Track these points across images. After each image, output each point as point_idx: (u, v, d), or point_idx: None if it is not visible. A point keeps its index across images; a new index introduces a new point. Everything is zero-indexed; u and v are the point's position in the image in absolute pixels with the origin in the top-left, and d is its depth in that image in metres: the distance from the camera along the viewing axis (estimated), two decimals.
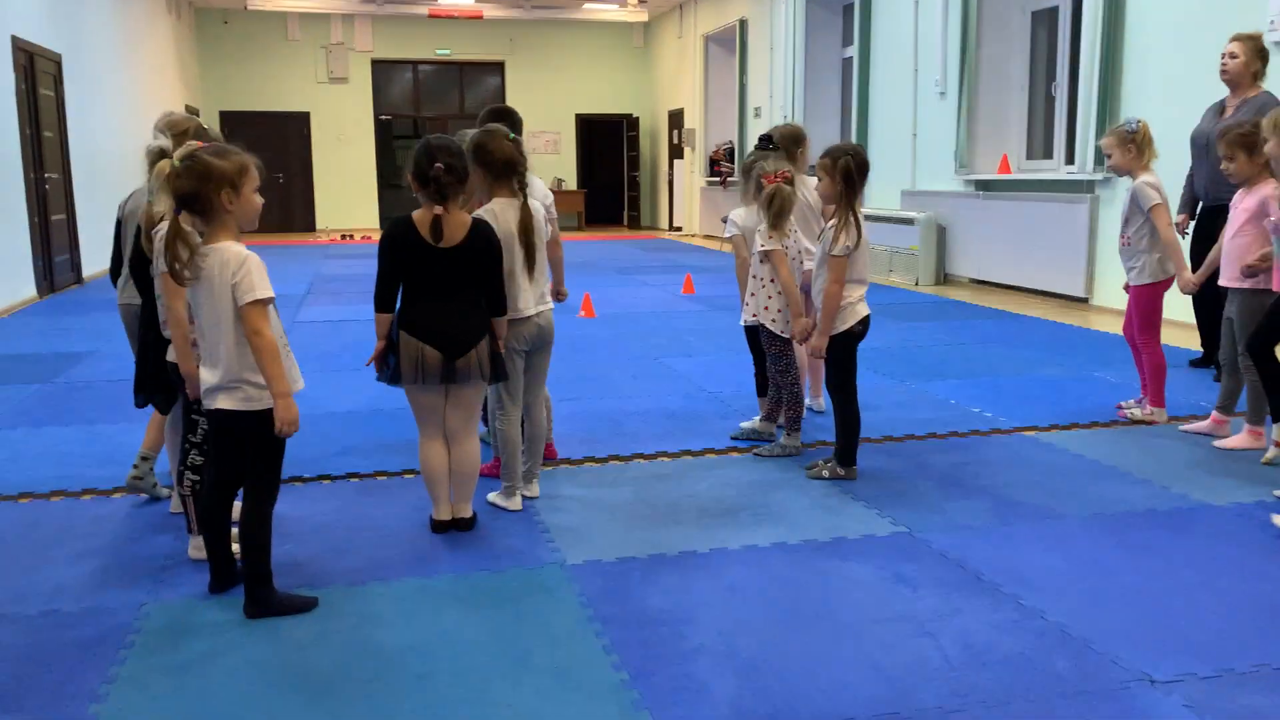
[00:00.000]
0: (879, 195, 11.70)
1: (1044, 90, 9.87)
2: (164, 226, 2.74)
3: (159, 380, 3.30)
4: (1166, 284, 4.78)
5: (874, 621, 2.80)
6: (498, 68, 20.27)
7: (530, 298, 3.57)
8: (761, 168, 4.37)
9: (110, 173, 12.41)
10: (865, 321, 4.02)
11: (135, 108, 13.82)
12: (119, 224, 3.76)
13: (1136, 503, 3.74)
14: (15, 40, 9.27)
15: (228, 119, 18.86)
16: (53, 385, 5.90)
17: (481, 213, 3.48)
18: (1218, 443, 4.46)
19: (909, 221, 10.48)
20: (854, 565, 3.19)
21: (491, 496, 3.77)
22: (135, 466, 3.83)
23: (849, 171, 3.88)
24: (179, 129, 3.34)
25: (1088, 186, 8.51)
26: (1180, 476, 4.03)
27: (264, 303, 2.71)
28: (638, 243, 16.65)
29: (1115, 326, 7.50)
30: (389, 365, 3.39)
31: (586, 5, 18.38)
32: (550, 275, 4.06)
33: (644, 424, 4.94)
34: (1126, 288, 4.93)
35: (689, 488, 3.97)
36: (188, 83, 17.55)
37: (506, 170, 3.51)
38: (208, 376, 2.80)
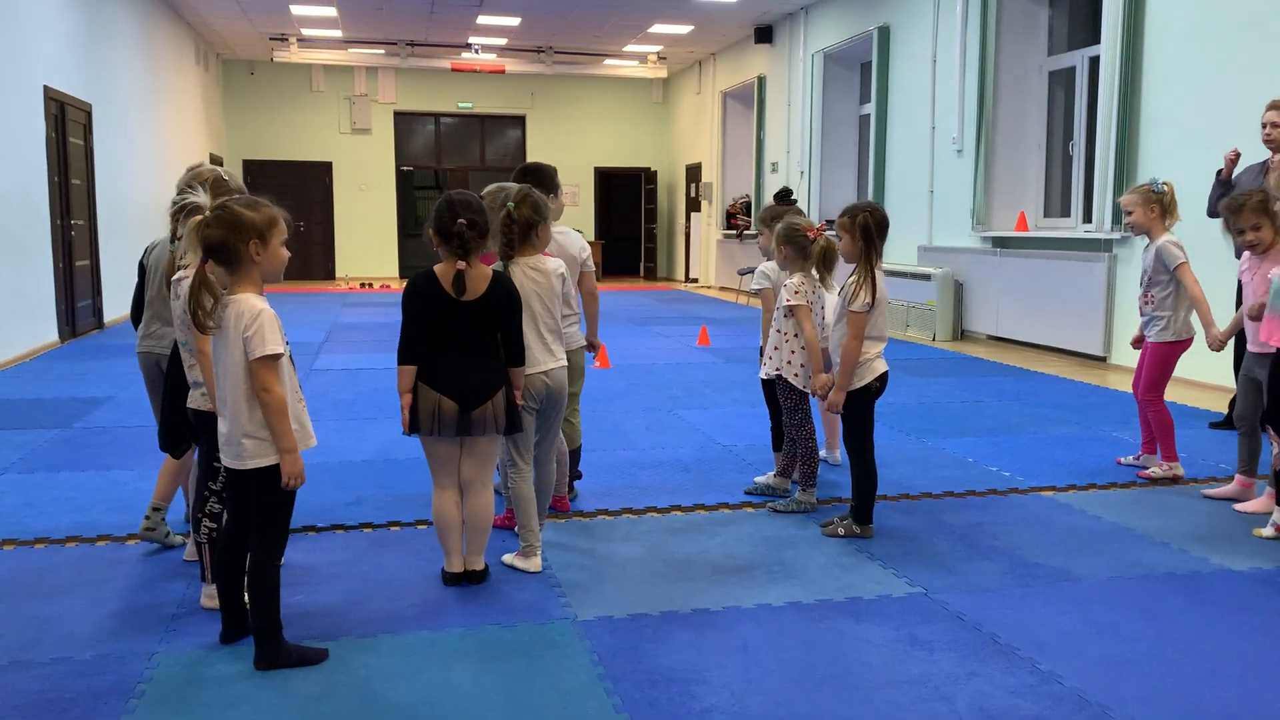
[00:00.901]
0: (896, 251, 11.73)
1: (1061, 149, 9.93)
2: (187, 274, 2.79)
3: (185, 427, 3.32)
4: (1185, 345, 4.82)
5: (889, 684, 2.76)
6: (519, 121, 20.54)
7: (539, 355, 3.57)
8: (797, 222, 4.37)
9: (134, 220, 12.60)
10: (883, 378, 4.01)
11: (161, 156, 14.06)
12: (142, 271, 3.84)
13: (1155, 566, 3.70)
14: (48, 90, 9.47)
15: (251, 167, 19.13)
16: (71, 430, 5.94)
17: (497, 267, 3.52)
18: (1238, 506, 4.41)
19: (926, 277, 10.50)
20: (869, 626, 3.16)
21: (508, 558, 3.71)
22: (147, 517, 3.84)
23: (868, 229, 3.92)
24: (203, 179, 3.37)
25: (1105, 245, 8.52)
26: (1199, 540, 3.99)
27: (273, 359, 2.72)
28: (654, 294, 16.73)
29: (1122, 383, 7.47)
30: (406, 415, 3.41)
31: (607, 61, 18.65)
32: (584, 326, 4.17)
33: (657, 477, 4.93)
34: (1135, 343, 4.92)
35: (702, 543, 3.95)
36: (213, 132, 17.85)
37: (526, 234, 3.57)
38: (221, 427, 2.83)
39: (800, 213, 4.78)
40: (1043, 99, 10.03)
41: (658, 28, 15.96)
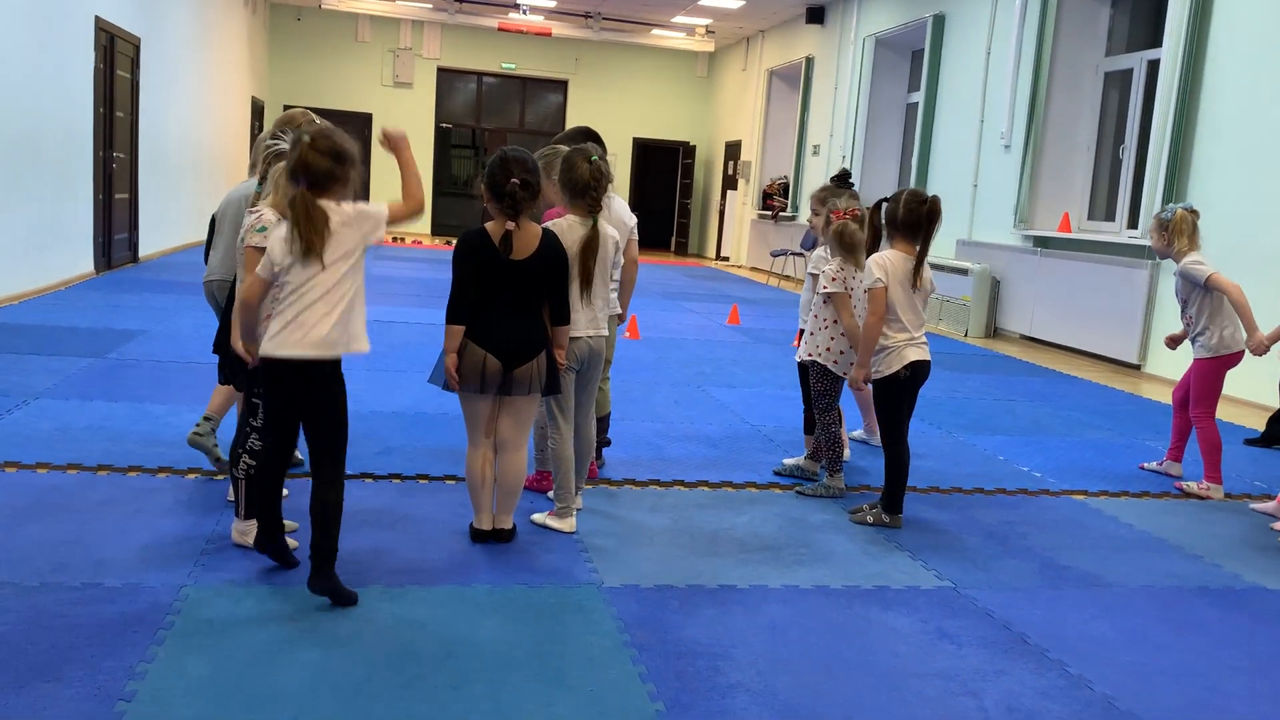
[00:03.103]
0: (935, 243, 11.60)
1: (1111, 152, 9.78)
2: (260, 211, 3.01)
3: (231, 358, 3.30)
4: (1232, 359, 4.72)
5: (915, 675, 2.74)
6: (561, 85, 20.43)
7: (583, 319, 3.57)
8: (834, 204, 4.36)
9: (174, 156, 12.63)
10: (914, 368, 3.93)
11: (204, 96, 14.07)
12: (214, 220, 3.98)
13: (1188, 578, 3.65)
14: (99, 21, 9.46)
15: None
16: (104, 360, 5.97)
17: (550, 225, 3.52)
18: (1277, 524, 4.35)
19: (963, 272, 10.40)
20: (897, 616, 3.13)
21: (539, 517, 3.73)
22: (198, 425, 3.92)
23: (879, 215, 4.05)
24: (295, 124, 3.45)
25: (1149, 253, 8.39)
26: (1233, 555, 3.94)
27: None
28: (685, 269, 16.66)
29: (1168, 395, 7.37)
30: (441, 370, 3.42)
31: (654, 31, 18.50)
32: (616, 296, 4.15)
33: (685, 451, 4.91)
34: (1171, 341, 4.96)
35: (729, 520, 3.93)
36: (256, 75, 17.84)
37: (581, 192, 3.55)
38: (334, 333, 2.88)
39: (854, 196, 4.73)
40: (1096, 99, 9.87)
41: (708, 1, 15.80)
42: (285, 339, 2.82)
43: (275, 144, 3.17)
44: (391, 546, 3.39)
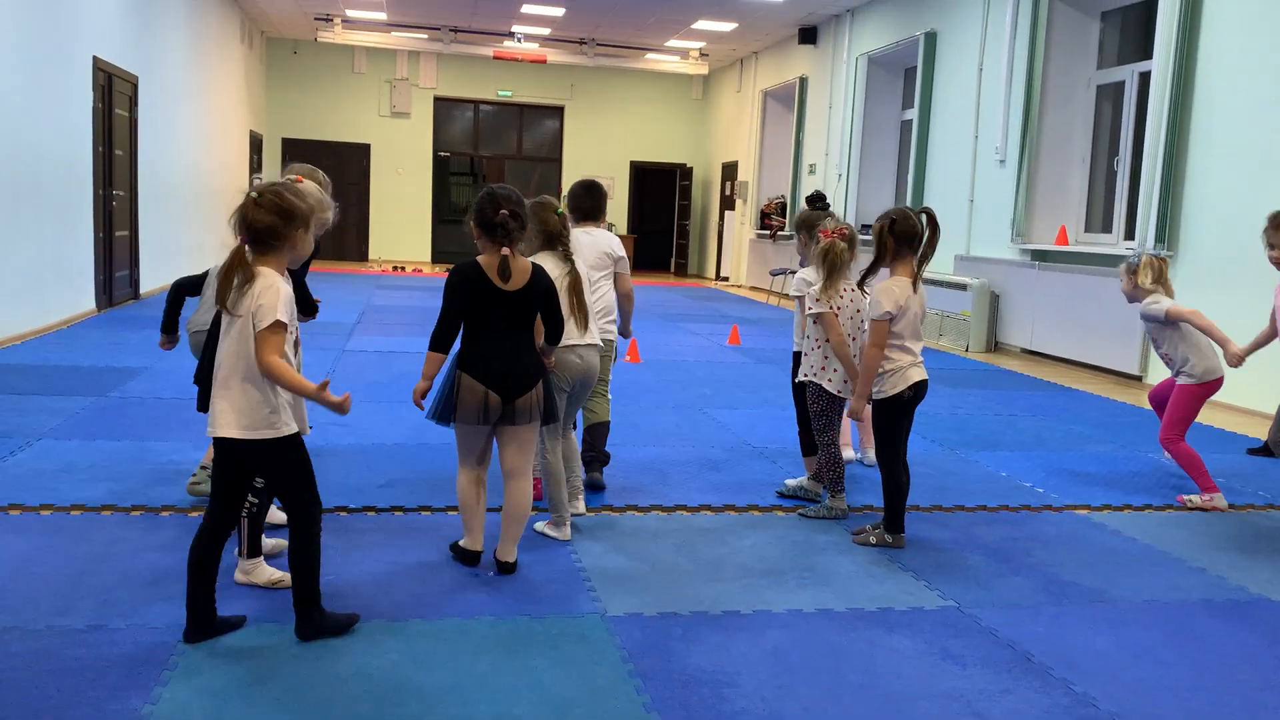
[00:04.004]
0: (933, 259, 11.64)
1: (1105, 164, 9.82)
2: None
3: None
4: (1212, 386, 4.78)
5: (921, 697, 2.74)
6: (557, 111, 20.55)
7: (573, 337, 3.80)
8: (824, 224, 4.43)
9: (173, 192, 12.70)
10: (916, 387, 3.95)
11: (203, 131, 14.17)
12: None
13: (1192, 591, 3.65)
14: (97, 61, 9.55)
15: (290, 146, 19.24)
16: (107, 399, 6.00)
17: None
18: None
19: (962, 287, 10.42)
20: (901, 637, 3.13)
21: (540, 526, 3.90)
22: (195, 474, 4.02)
23: (881, 235, 3.94)
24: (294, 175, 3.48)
25: None
26: (1238, 568, 3.93)
27: (279, 327, 2.75)
28: (684, 290, 16.70)
29: None
30: (439, 405, 3.46)
31: (649, 56, 18.62)
32: (618, 317, 4.54)
33: (687, 475, 4.91)
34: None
35: (732, 544, 3.94)
36: (254, 109, 17.97)
37: (551, 240, 3.85)
38: (225, 403, 2.85)
39: (833, 216, 4.81)
40: (1089, 113, 9.92)
41: (701, 24, 15.91)
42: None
43: None
44: (394, 579, 3.40)
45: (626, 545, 3.87)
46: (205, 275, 4.11)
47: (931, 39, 11.92)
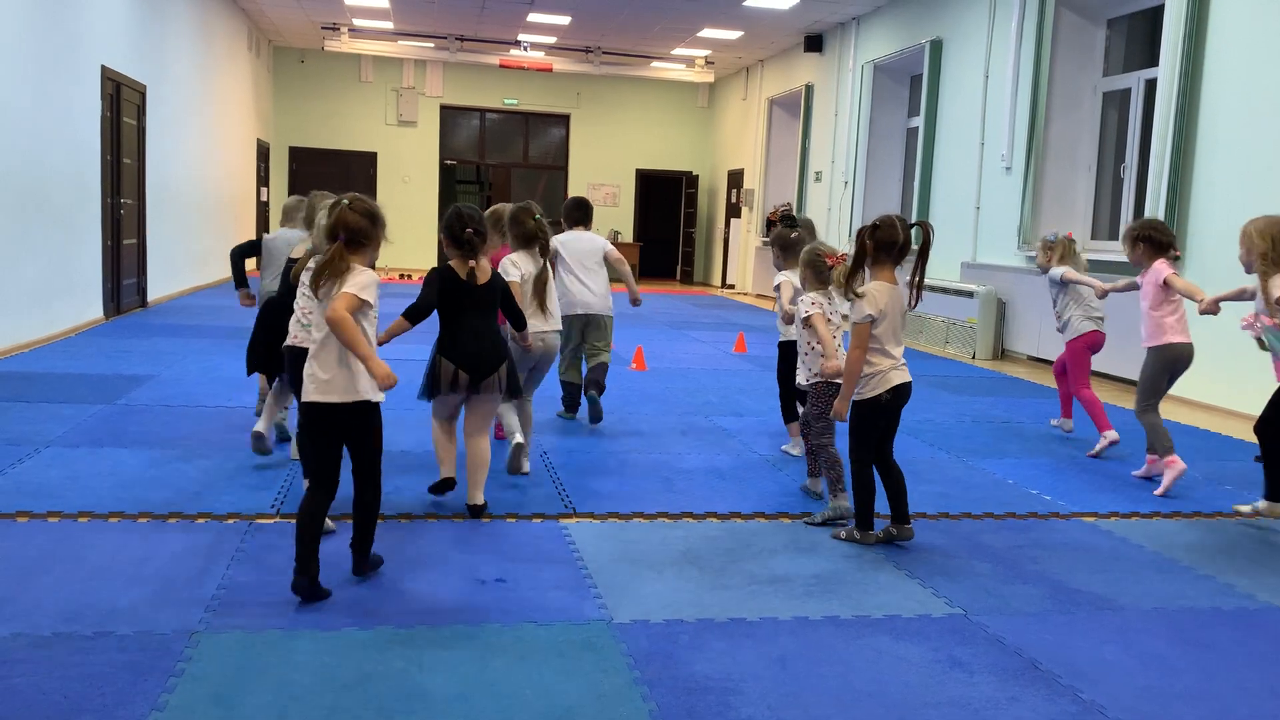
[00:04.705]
0: (939, 266, 11.64)
1: (1112, 171, 9.82)
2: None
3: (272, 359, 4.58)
4: (1089, 339, 6.04)
5: (927, 705, 2.73)
6: (563, 120, 20.59)
7: (539, 324, 4.84)
8: (820, 249, 4.57)
9: (181, 200, 12.75)
10: (895, 391, 3.98)
11: (210, 139, 14.23)
12: (259, 245, 5.44)
13: (1200, 599, 3.64)
14: (105, 70, 9.60)
15: (297, 155, 19.32)
16: (114, 407, 6.01)
17: (505, 260, 4.84)
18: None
19: (968, 294, 10.41)
20: (907, 645, 3.12)
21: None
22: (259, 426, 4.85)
23: (862, 243, 4.02)
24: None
25: None
26: (1246, 575, 3.92)
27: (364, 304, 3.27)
28: (690, 298, 16.71)
29: (1177, 414, 7.36)
30: (425, 385, 4.27)
31: (655, 64, 18.66)
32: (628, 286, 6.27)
33: (693, 483, 4.91)
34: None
35: (738, 552, 3.93)
36: (262, 117, 18.04)
37: (528, 240, 4.88)
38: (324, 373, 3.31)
39: (806, 226, 5.47)
40: (1095, 120, 9.91)
41: (707, 32, 15.94)
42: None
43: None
44: (401, 586, 3.40)
45: (633, 552, 3.87)
46: (259, 241, 5.39)
47: (937, 46, 11.93)
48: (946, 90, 11.81)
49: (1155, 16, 8.79)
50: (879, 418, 4.02)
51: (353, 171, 19.36)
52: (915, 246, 4.05)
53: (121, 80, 10.17)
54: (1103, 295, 6.01)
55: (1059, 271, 6.07)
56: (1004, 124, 10.46)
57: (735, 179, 19.29)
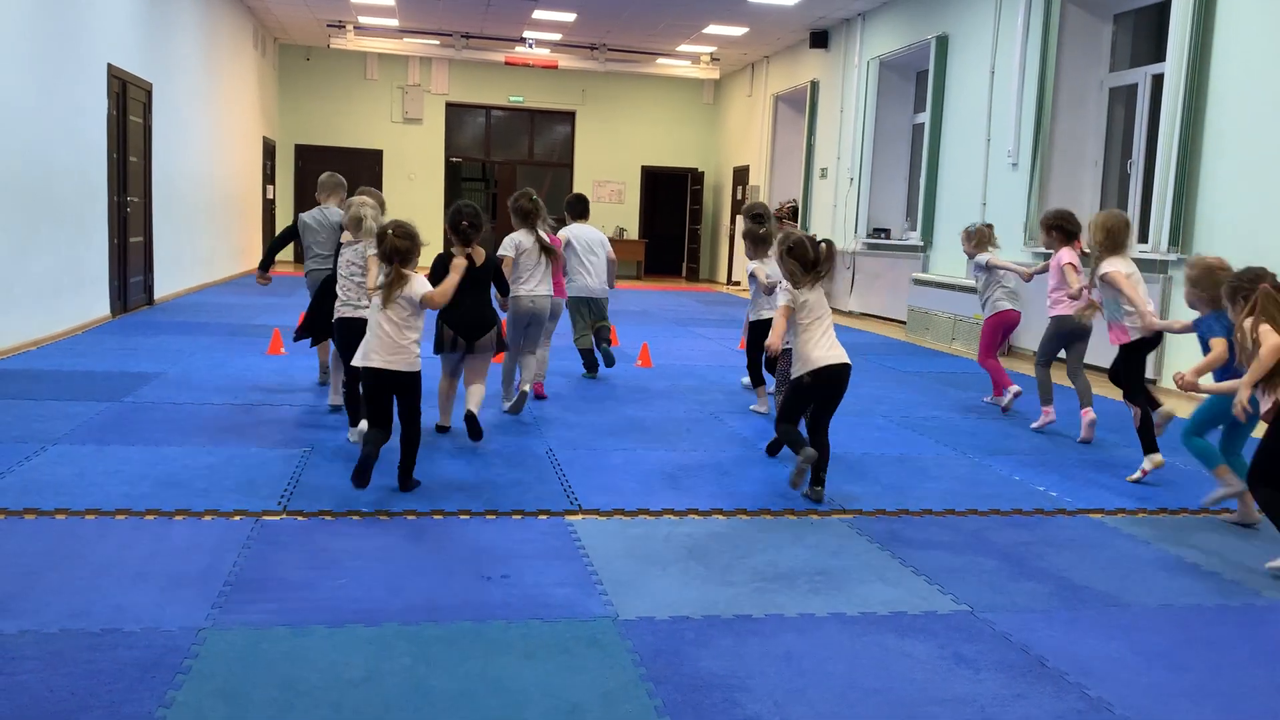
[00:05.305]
0: (944, 263, 11.63)
1: (1119, 167, 9.79)
2: (366, 251, 5.20)
3: (325, 328, 5.73)
4: (1004, 317, 6.96)
5: (934, 702, 2.73)
6: (568, 117, 20.59)
7: (529, 287, 6.12)
8: (789, 234, 4.90)
9: (187, 198, 12.77)
10: (816, 375, 4.58)
11: (215, 137, 14.24)
12: (298, 228, 6.51)
13: (1206, 597, 3.63)
14: (111, 68, 9.62)
15: (302, 153, 19.34)
16: (121, 404, 6.03)
17: (507, 237, 6.15)
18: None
19: (974, 291, 10.36)
20: (914, 642, 3.12)
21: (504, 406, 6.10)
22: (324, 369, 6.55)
23: (786, 251, 4.73)
24: (367, 203, 5.46)
25: (1161, 266, 8.38)
26: (1251, 572, 3.91)
27: (428, 297, 4.55)
28: (696, 295, 16.70)
29: (1185, 410, 7.33)
30: (434, 344, 5.29)
31: (660, 60, 18.64)
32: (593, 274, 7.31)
33: (699, 479, 4.91)
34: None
35: (743, 549, 3.93)
36: (267, 115, 18.06)
37: (525, 218, 6.17)
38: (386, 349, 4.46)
39: (770, 218, 6.59)
40: (1102, 115, 9.88)
41: (712, 29, 15.93)
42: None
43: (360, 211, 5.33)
44: (406, 583, 3.41)
45: (638, 549, 3.87)
46: (294, 227, 6.51)
47: (943, 42, 11.91)
48: (952, 86, 11.78)
49: (1162, 11, 8.77)
50: (803, 397, 4.68)
51: (358, 169, 19.36)
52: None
53: (127, 79, 10.18)
54: (1028, 279, 6.96)
55: (985, 258, 6.98)
56: (1010, 120, 10.44)
57: (740, 176, 19.27)
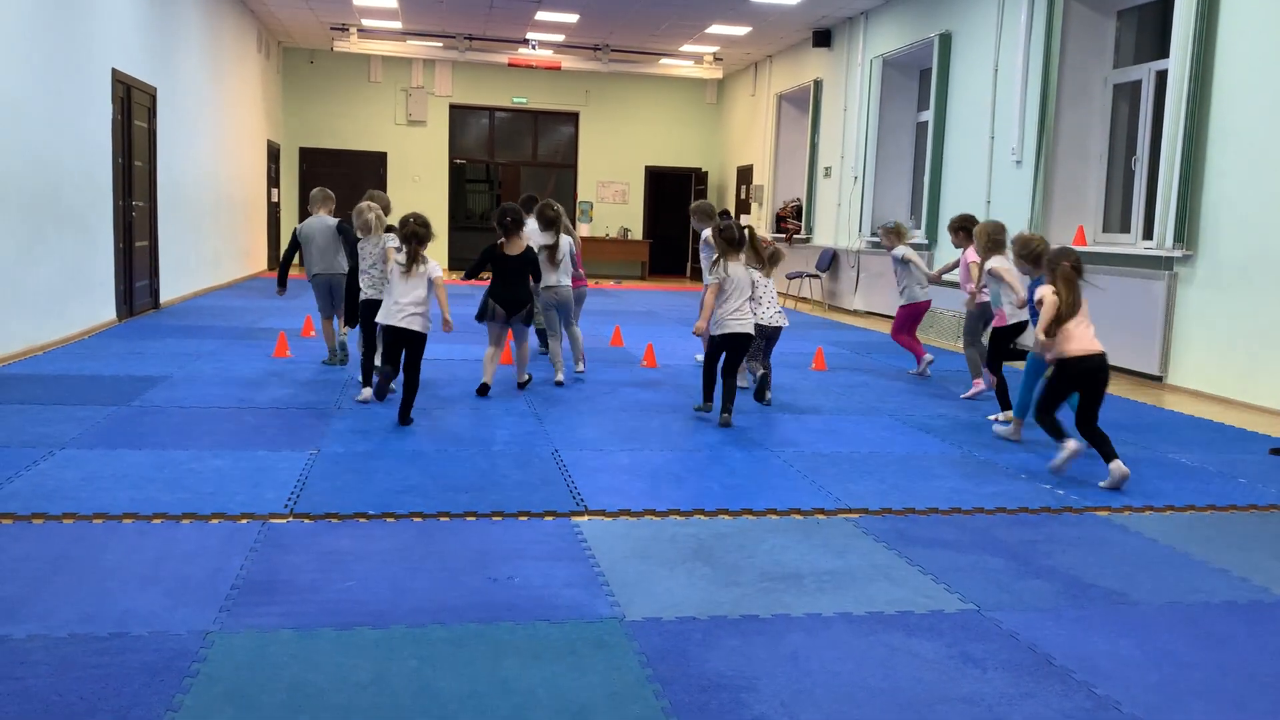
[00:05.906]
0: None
1: (1123, 163, 9.77)
2: (386, 242, 6.47)
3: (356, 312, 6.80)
4: (918, 307, 8.17)
5: (941, 701, 2.73)
6: (572, 118, 20.60)
7: (551, 279, 7.34)
8: (763, 237, 6.48)
9: (192, 202, 12.79)
10: (730, 338, 6.10)
11: (220, 140, 14.27)
12: (297, 236, 7.61)
13: (1214, 593, 3.62)
14: (115, 73, 9.64)
15: (307, 155, 19.36)
16: (128, 408, 6.04)
17: (532, 239, 7.22)
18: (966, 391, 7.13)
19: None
20: (921, 641, 3.12)
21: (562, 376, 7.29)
22: (333, 353, 7.73)
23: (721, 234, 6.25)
24: (379, 204, 6.83)
25: (1166, 263, 8.37)
26: (1259, 568, 3.90)
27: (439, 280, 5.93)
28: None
29: (1192, 407, 7.33)
30: (480, 312, 6.79)
31: (663, 61, 18.64)
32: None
33: (704, 480, 4.91)
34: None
35: (750, 548, 3.93)
36: (271, 118, 18.09)
37: (550, 224, 7.45)
38: (405, 310, 5.83)
39: (729, 215, 8.18)
40: (1106, 112, 9.86)
41: (715, 28, 15.92)
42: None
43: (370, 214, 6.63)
44: (413, 585, 3.41)
45: (644, 550, 3.87)
46: (295, 239, 7.62)
47: (946, 40, 11.89)
48: (956, 84, 11.77)
49: (1165, 7, 8.74)
50: (716, 351, 6.19)
51: (363, 172, 19.41)
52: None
53: (132, 83, 10.21)
54: (934, 280, 8.11)
55: (901, 251, 8.13)
56: (1014, 117, 10.42)
57: (744, 175, 19.26)
